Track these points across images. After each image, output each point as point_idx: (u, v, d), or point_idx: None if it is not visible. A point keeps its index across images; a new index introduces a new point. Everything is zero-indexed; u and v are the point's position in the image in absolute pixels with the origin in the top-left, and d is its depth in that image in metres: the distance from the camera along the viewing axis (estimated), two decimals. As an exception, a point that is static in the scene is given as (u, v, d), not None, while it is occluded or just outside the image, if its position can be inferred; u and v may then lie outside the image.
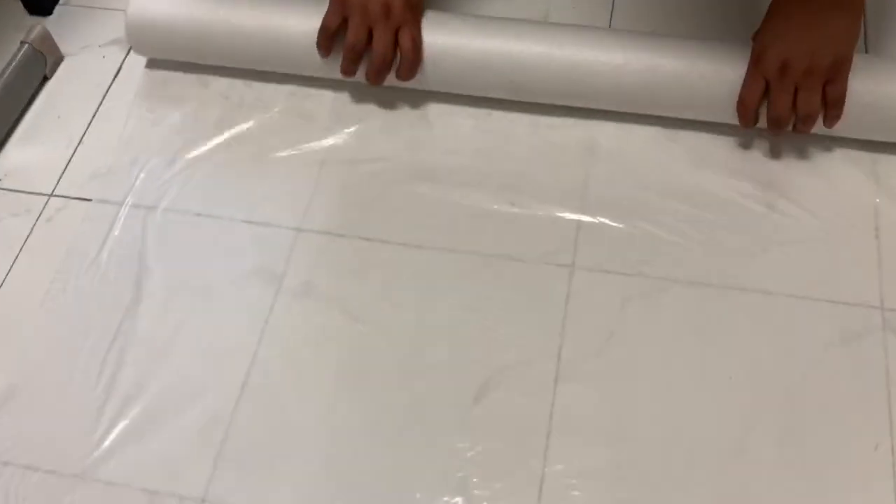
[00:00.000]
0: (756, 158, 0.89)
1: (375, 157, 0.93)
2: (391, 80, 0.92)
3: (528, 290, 0.84)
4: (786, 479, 0.72)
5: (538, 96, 0.91)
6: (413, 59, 0.89)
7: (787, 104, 0.82)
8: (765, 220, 0.85)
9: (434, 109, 0.96)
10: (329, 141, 0.95)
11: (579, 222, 0.87)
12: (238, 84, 1.00)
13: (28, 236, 0.93)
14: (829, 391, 0.76)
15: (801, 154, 0.88)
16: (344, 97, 0.98)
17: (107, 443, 0.78)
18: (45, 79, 1.06)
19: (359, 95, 0.97)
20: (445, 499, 0.72)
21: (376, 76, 0.91)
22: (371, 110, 0.97)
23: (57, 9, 1.14)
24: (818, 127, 0.83)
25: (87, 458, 0.77)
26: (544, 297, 0.83)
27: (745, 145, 0.89)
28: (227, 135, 0.96)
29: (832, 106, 0.82)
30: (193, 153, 0.95)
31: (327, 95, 0.98)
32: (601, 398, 0.77)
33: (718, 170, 0.88)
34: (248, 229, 0.91)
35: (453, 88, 0.93)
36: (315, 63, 0.93)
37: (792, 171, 0.88)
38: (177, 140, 0.97)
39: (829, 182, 0.87)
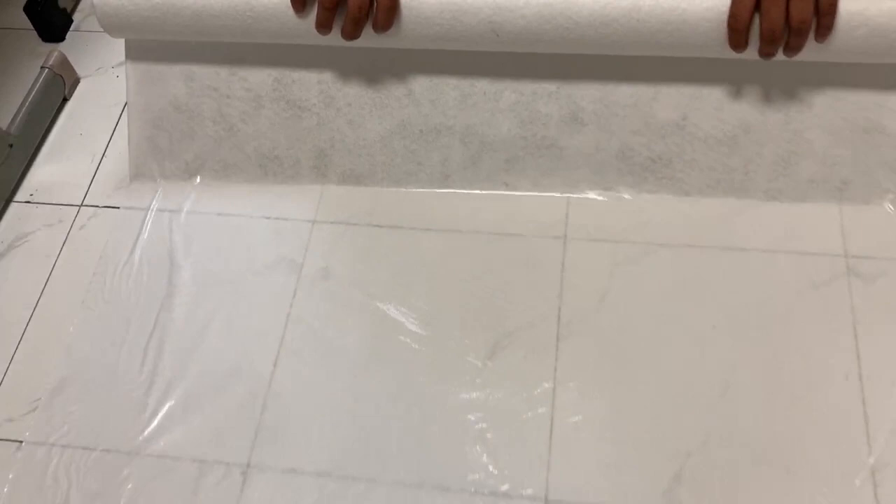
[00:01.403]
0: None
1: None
2: (369, 38, 0.86)
3: (527, 261, 0.92)
4: (768, 410, 0.81)
5: (520, 41, 0.84)
6: (390, 4, 0.82)
7: (781, 14, 0.77)
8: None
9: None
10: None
11: (568, 198, 0.96)
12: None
13: (64, 243, 1.01)
14: (802, 331, 0.85)
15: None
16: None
17: (155, 422, 0.86)
18: (65, 100, 1.14)
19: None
20: (466, 448, 0.81)
21: (353, 27, 0.83)
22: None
23: (68, 35, 1.22)
24: (807, 54, 0.82)
25: (139, 436, 0.85)
26: (542, 266, 0.92)
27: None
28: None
29: (825, 13, 0.77)
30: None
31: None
32: (599, 352, 0.86)
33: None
34: (266, 224, 0.99)
35: (433, 42, 0.87)
36: (291, 27, 0.87)
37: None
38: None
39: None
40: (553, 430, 0.81)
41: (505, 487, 0.79)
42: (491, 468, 0.80)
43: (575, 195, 0.95)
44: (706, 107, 0.87)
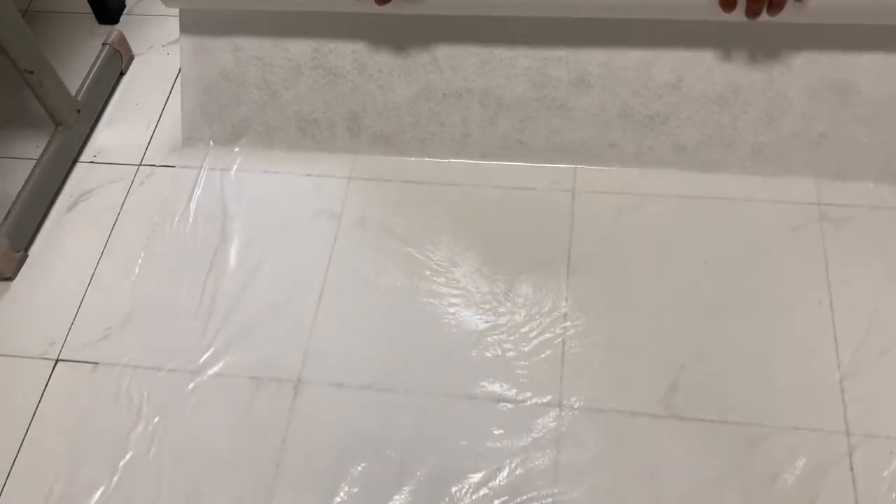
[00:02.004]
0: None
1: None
2: (398, 5, 0.96)
3: (539, 211, 1.05)
4: (751, 331, 0.93)
5: (534, 4, 0.94)
6: None
7: None
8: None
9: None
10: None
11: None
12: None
13: (126, 197, 1.13)
14: (781, 266, 0.97)
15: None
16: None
17: (214, 347, 0.98)
18: (122, 74, 1.26)
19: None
20: (489, 364, 0.93)
21: None
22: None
23: (122, 17, 1.35)
24: (787, 16, 0.91)
25: (200, 358, 0.97)
26: (553, 215, 1.04)
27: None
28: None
29: None
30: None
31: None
32: (605, 285, 0.98)
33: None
34: (308, 181, 1.11)
35: (455, 8, 0.96)
36: None
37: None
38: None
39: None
40: (565, 347, 0.93)
41: (523, 395, 0.91)
42: (511, 380, 0.92)
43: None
44: (699, 69, 0.99)
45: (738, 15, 0.91)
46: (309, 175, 1.11)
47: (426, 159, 1.10)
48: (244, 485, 0.88)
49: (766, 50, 0.98)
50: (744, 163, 1.03)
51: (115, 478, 0.90)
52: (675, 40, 0.99)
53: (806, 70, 0.98)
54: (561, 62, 1.01)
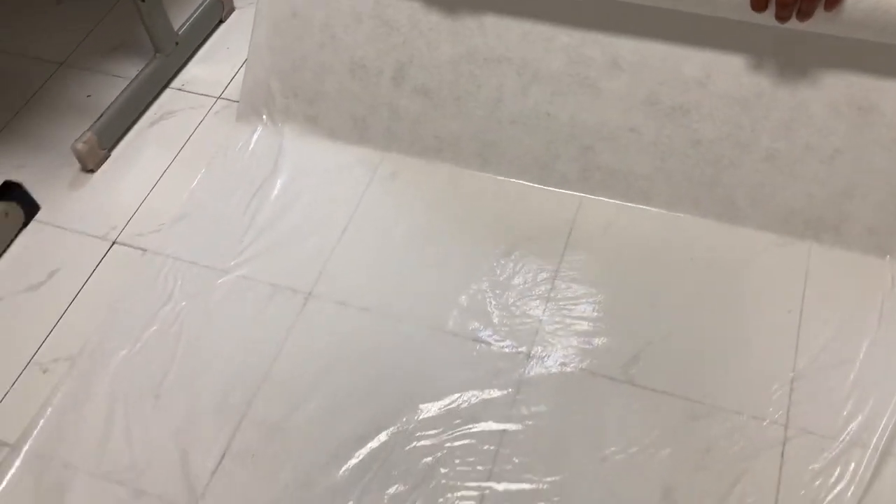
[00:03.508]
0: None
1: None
2: None
3: (552, 190, 1.15)
4: (722, 323, 1.00)
5: None
6: None
7: None
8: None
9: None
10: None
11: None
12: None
13: (201, 122, 1.29)
14: (762, 273, 1.04)
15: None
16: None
17: (245, 254, 1.11)
18: (221, 22, 1.43)
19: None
20: (477, 310, 1.03)
21: None
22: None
23: (230, -25, 1.53)
24: (816, 25, 0.94)
25: (232, 261, 1.11)
26: (561, 192, 1.14)
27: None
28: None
29: None
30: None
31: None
32: (596, 263, 1.07)
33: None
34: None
35: None
36: None
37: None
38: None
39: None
40: (546, 307, 1.03)
41: (499, 341, 1.00)
42: (491, 327, 1.02)
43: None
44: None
45: (770, 19, 0.95)
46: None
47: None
48: (240, 374, 1.00)
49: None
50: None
51: (139, 345, 1.04)
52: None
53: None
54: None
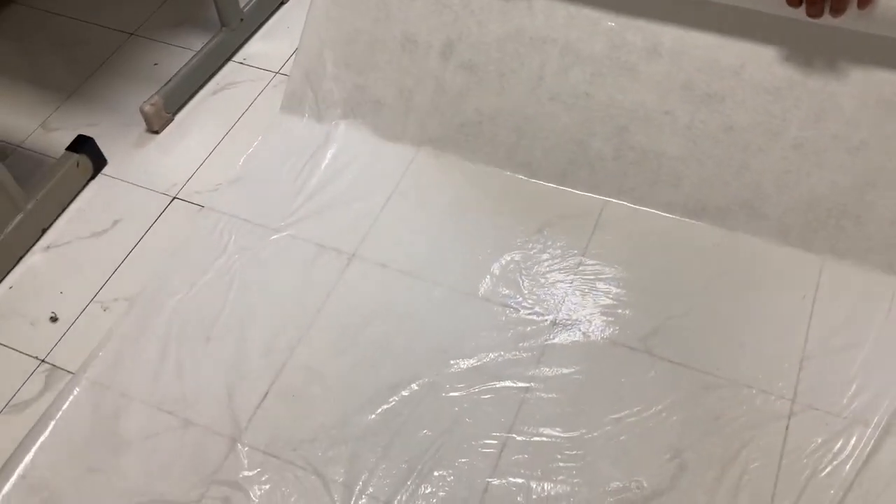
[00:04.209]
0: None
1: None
2: None
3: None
4: (739, 303, 1.06)
5: None
6: None
7: None
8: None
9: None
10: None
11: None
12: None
13: (260, 94, 1.37)
14: (781, 259, 1.10)
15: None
16: None
17: (295, 215, 1.19)
18: (283, 2, 1.52)
19: None
20: (507, 279, 1.10)
21: None
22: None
23: (295, -41, 1.62)
24: (849, 22, 0.98)
25: (283, 221, 1.19)
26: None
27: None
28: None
29: None
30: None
31: None
32: (624, 242, 1.14)
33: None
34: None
35: None
36: None
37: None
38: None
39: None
40: (574, 280, 1.10)
41: (527, 308, 1.07)
42: (521, 294, 1.09)
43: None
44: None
45: (804, 14, 0.99)
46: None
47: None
48: (286, 323, 1.08)
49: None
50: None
51: (193, 290, 1.12)
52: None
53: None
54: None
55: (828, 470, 0.92)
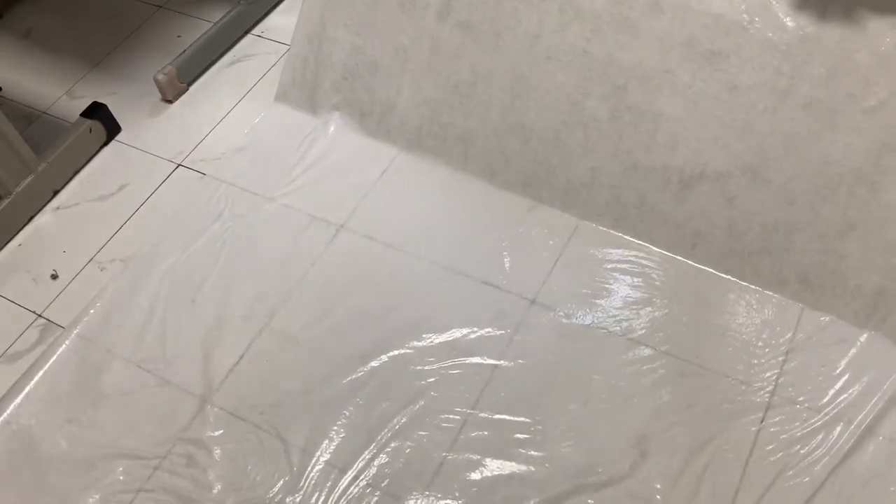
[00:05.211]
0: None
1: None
2: None
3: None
4: (729, 297, 1.01)
5: None
6: None
7: None
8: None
9: None
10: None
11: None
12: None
13: (273, 66, 1.39)
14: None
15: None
16: None
17: (290, 186, 1.20)
18: (305, -22, 1.54)
19: None
20: (492, 255, 1.08)
21: None
22: None
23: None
24: None
25: (278, 192, 1.20)
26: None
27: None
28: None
29: None
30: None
31: None
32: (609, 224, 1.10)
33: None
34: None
35: None
36: None
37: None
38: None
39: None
40: (558, 260, 1.07)
41: (507, 286, 1.05)
42: (503, 273, 1.07)
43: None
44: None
45: None
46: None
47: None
48: (268, 289, 1.10)
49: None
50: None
51: (186, 255, 1.15)
52: None
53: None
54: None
55: (799, 466, 0.87)
